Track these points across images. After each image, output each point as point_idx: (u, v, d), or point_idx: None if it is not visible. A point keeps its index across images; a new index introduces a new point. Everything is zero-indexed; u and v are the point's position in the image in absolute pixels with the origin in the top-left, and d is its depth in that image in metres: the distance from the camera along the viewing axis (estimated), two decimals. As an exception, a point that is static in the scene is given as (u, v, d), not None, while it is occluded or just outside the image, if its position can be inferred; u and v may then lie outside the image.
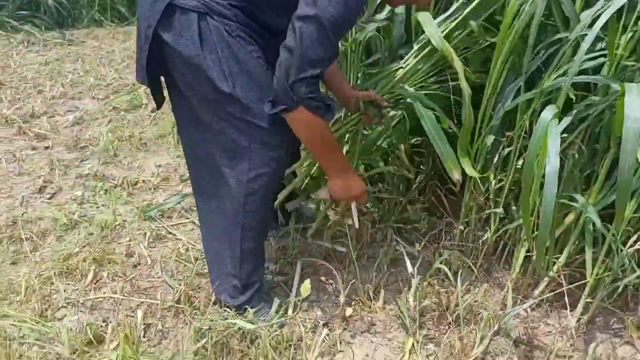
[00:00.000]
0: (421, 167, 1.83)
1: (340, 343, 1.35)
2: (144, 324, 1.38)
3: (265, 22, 1.25)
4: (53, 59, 3.87)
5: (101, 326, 1.37)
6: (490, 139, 1.58)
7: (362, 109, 1.51)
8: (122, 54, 4.00)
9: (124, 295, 1.48)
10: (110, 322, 1.38)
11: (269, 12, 1.25)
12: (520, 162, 1.54)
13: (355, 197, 1.40)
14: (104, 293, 1.49)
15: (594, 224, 1.36)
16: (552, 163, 1.16)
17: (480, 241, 1.62)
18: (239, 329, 1.33)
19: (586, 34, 1.27)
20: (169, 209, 1.91)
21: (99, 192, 2.03)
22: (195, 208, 1.87)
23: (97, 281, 1.55)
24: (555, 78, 1.37)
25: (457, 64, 1.48)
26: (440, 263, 1.56)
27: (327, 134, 1.28)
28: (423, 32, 1.56)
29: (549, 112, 1.20)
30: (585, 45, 1.24)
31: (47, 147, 2.42)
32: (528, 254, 1.55)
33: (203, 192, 1.42)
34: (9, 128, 2.63)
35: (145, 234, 1.77)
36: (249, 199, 1.31)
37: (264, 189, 1.31)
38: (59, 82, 3.31)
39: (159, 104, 1.41)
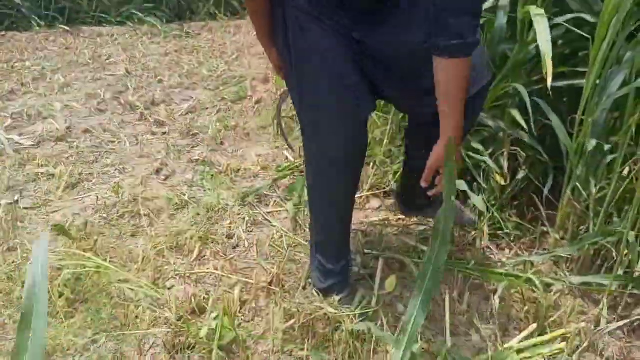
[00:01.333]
0: (519, 171, 1.78)
1: (420, 341, 1.38)
2: (240, 300, 1.51)
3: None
4: (172, 50, 4.23)
5: (204, 298, 1.53)
6: (592, 143, 1.51)
7: None
8: (232, 47, 4.27)
9: (224, 273, 1.63)
10: (212, 295, 1.54)
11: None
12: (626, 169, 1.46)
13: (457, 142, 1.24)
14: (207, 269, 1.66)
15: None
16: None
17: (577, 252, 1.56)
18: (325, 314, 1.42)
19: None
20: (266, 196, 2.05)
21: (206, 176, 2.22)
22: (289, 198, 2.01)
23: (202, 257, 1.72)
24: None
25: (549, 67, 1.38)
26: (532, 273, 1.52)
27: (468, 74, 1.17)
28: (530, 28, 1.51)
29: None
30: None
31: (164, 133, 2.69)
32: (628, 269, 1.46)
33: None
34: (133, 114, 2.95)
35: (244, 218, 1.92)
36: (308, 155, 1.39)
37: (321, 147, 1.34)
38: (176, 72, 3.63)
39: None
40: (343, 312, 1.41)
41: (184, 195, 2.06)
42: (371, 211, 1.97)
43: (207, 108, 3.02)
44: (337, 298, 1.45)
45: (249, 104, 3.04)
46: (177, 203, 2.01)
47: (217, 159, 2.39)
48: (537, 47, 1.48)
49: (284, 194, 2.05)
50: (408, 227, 1.86)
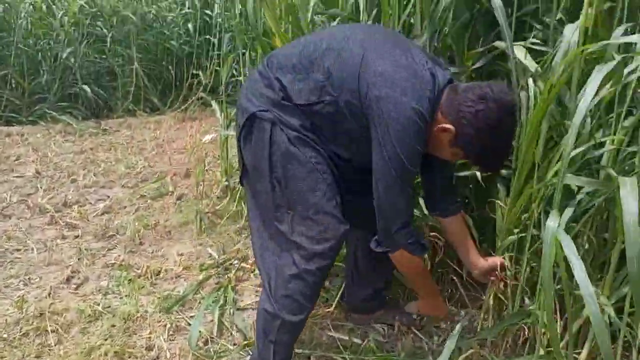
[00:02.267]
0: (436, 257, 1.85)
1: None
2: (161, 422, 1.38)
3: (330, 149, 1.41)
4: (88, 148, 4.11)
5: None
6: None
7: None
8: (152, 143, 4.23)
9: (142, 392, 1.49)
10: (128, 420, 1.39)
11: (332, 145, 1.41)
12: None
13: (437, 314, 1.65)
14: (123, 389, 1.51)
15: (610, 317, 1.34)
16: (578, 270, 1.15)
17: (500, 334, 1.60)
18: None
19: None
20: (189, 299, 1.95)
21: (123, 281, 2.09)
22: (215, 299, 1.93)
23: (117, 376, 1.57)
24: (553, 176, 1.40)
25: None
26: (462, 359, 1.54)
27: (421, 267, 1.54)
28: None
29: (553, 222, 1.18)
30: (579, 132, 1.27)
31: (76, 237, 2.53)
32: (549, 348, 1.51)
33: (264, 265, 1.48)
34: (42, 217, 2.77)
35: (165, 325, 1.80)
36: (285, 301, 1.38)
37: (302, 288, 1.37)
38: (91, 171, 3.51)
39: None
40: None
41: (98, 305, 1.91)
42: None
43: (125, 207, 2.91)
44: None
45: (169, 200, 2.97)
46: (89, 315, 1.86)
47: (135, 261, 2.27)
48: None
49: (209, 295, 1.96)
50: (339, 319, 1.84)
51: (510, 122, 1.32)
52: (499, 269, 1.56)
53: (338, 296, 1.88)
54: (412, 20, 1.74)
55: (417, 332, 1.75)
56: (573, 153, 1.30)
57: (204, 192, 2.96)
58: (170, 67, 5.63)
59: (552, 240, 1.16)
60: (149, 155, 3.90)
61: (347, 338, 1.71)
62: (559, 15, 1.61)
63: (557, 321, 1.45)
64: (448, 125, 1.30)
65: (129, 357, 1.65)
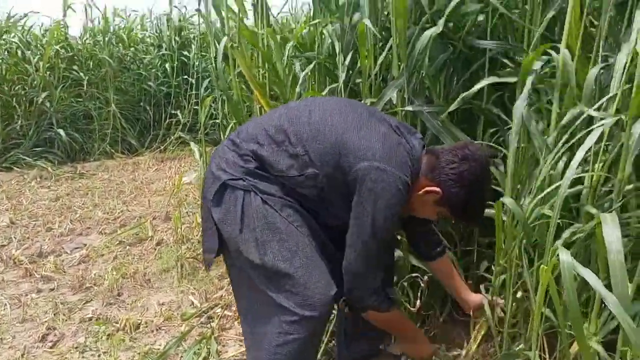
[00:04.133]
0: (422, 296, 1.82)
1: None
2: None
3: (310, 211, 1.40)
4: (64, 193, 4.03)
5: None
6: (484, 265, 1.64)
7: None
8: (130, 185, 4.17)
9: None
10: None
11: (312, 209, 1.40)
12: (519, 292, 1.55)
13: (423, 356, 1.63)
14: None
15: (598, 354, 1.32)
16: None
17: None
18: None
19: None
20: (171, 353, 1.87)
21: (101, 337, 2.00)
22: (198, 351, 1.86)
23: None
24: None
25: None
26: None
27: (396, 317, 1.51)
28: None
29: (566, 256, 1.17)
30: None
31: (52, 289, 2.44)
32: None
33: (248, 329, 1.45)
34: (16, 270, 2.67)
35: (146, 383, 1.72)
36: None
37: (294, 354, 1.32)
38: (68, 217, 3.42)
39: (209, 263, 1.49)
40: None
41: (74, 364, 1.83)
42: None
43: (102, 255, 2.83)
44: None
45: (149, 246, 2.90)
46: (65, 376, 1.77)
47: (113, 314, 2.19)
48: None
49: (191, 348, 1.89)
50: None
51: (489, 176, 1.42)
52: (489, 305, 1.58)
53: (324, 344, 1.82)
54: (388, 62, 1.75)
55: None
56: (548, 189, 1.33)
57: (184, 235, 2.90)
58: (148, 107, 5.63)
59: (569, 274, 1.14)
60: (127, 199, 3.83)
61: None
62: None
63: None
64: (435, 188, 1.34)
65: (108, 421, 1.56)
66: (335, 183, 1.33)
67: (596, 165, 1.37)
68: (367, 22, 1.66)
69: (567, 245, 1.40)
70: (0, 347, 1.98)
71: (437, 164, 1.35)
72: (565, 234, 1.39)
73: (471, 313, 1.66)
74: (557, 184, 1.35)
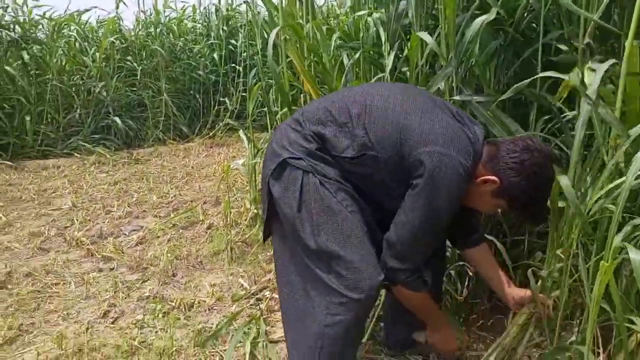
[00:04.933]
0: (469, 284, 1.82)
1: None
2: None
3: (364, 194, 1.41)
4: (121, 178, 4.24)
5: None
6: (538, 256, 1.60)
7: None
8: (182, 171, 4.33)
9: None
10: None
11: (366, 192, 1.41)
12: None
13: (447, 349, 1.62)
14: None
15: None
16: None
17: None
18: None
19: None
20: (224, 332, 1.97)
21: (157, 315, 2.12)
22: (248, 331, 1.94)
23: (154, 413, 1.59)
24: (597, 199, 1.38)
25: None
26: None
27: (424, 301, 1.47)
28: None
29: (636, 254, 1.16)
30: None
31: (112, 269, 2.59)
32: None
33: (291, 313, 1.47)
34: (79, 250, 2.85)
35: (200, 360, 1.82)
36: (325, 342, 1.35)
37: (340, 335, 1.34)
38: (125, 201, 3.61)
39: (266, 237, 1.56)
40: None
41: (134, 339, 1.95)
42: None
43: (158, 237, 2.97)
44: None
45: (200, 230, 3.02)
46: (126, 350, 1.89)
47: (169, 293, 2.31)
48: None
49: (240, 328, 1.97)
50: (370, 352, 1.82)
51: (552, 170, 1.35)
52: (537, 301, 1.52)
53: (370, 327, 1.86)
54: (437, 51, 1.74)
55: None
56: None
57: (233, 220, 3.00)
58: (197, 95, 5.79)
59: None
60: (179, 184, 3.99)
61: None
62: (587, 39, 1.60)
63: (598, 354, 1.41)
64: (492, 177, 1.32)
65: (166, 393, 1.67)
66: (394, 167, 1.33)
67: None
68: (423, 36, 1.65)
69: (628, 240, 1.37)
70: (66, 321, 2.14)
71: (497, 153, 1.33)
72: (627, 229, 1.35)
73: (512, 307, 1.59)
74: (621, 179, 1.30)
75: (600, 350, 1.38)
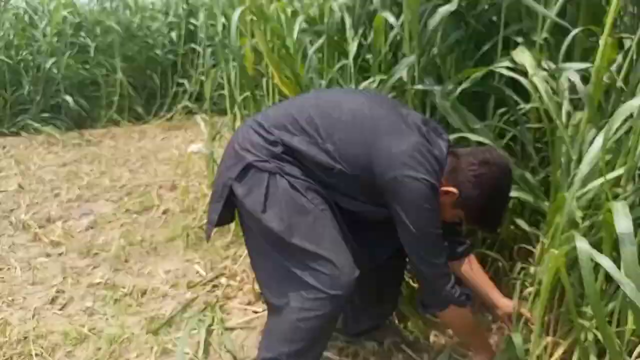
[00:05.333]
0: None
1: None
2: None
3: (335, 201, 1.42)
4: (71, 160, 4.06)
5: None
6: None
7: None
8: (137, 154, 4.19)
9: (130, 419, 1.47)
10: None
11: (338, 197, 1.42)
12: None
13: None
14: (110, 416, 1.48)
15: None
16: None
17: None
18: None
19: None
20: (176, 320, 1.93)
21: (108, 302, 2.06)
22: (203, 318, 1.91)
23: (103, 403, 1.54)
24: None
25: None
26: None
27: (470, 318, 1.51)
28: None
29: (582, 242, 1.20)
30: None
31: (60, 254, 2.49)
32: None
33: (268, 301, 1.46)
34: (25, 234, 2.72)
35: (152, 347, 1.77)
36: (296, 336, 1.34)
37: (313, 330, 1.34)
38: (75, 184, 3.46)
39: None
40: None
41: (83, 326, 1.88)
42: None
43: (110, 222, 2.87)
44: None
45: (155, 215, 2.94)
46: (75, 337, 1.82)
47: (120, 280, 2.24)
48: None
49: (195, 315, 1.94)
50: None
51: (509, 183, 1.42)
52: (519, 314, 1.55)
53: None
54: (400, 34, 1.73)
55: (407, 348, 1.75)
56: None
57: (190, 205, 2.94)
58: (154, 75, 5.60)
59: (587, 260, 1.18)
60: (133, 167, 3.86)
61: (337, 358, 1.70)
62: (545, 35, 1.64)
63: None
64: (452, 189, 1.36)
65: (116, 382, 1.62)
66: (363, 183, 1.36)
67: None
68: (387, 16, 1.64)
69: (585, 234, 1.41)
70: (11, 307, 2.04)
71: (457, 166, 1.37)
72: (587, 223, 1.40)
73: (502, 320, 1.62)
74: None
75: (549, 337, 1.44)
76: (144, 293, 2.13)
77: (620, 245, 1.17)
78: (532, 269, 1.58)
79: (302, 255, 1.33)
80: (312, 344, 1.36)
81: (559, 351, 1.48)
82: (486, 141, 1.72)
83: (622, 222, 1.18)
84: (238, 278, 2.22)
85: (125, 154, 4.22)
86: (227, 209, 1.45)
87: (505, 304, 1.57)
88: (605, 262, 1.16)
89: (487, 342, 1.60)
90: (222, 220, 1.50)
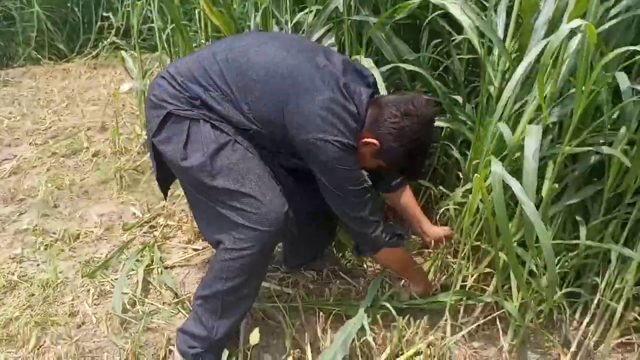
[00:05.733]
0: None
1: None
2: (91, 388, 1.37)
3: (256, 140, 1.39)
4: (-13, 102, 3.74)
5: (46, 394, 1.35)
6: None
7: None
8: (61, 94, 3.91)
9: None
10: (56, 389, 1.36)
11: (263, 139, 1.38)
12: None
13: (426, 294, 1.66)
14: (48, 359, 1.47)
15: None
16: (528, 207, 1.24)
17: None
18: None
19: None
20: (114, 262, 1.89)
21: (38, 248, 1.98)
22: (141, 259, 1.89)
23: (40, 346, 1.52)
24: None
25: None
26: (385, 299, 1.62)
27: (405, 256, 1.59)
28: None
29: (498, 167, 1.27)
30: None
31: (-18, 202, 2.34)
32: (464, 283, 1.64)
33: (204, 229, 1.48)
34: (-59, 182, 2.52)
35: (89, 290, 1.74)
36: (229, 274, 1.35)
37: (245, 268, 1.35)
38: (-7, 127, 3.21)
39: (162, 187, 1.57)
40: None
41: (13, 274, 1.81)
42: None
43: (35, 166, 2.71)
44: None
45: (85, 158, 2.80)
46: (4, 285, 1.76)
47: (50, 225, 2.15)
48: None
49: (133, 255, 1.91)
50: (269, 270, 1.86)
51: (431, 135, 1.43)
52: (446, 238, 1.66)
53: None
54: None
55: (344, 275, 1.82)
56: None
57: (122, 147, 2.81)
58: (76, 9, 5.13)
59: (499, 182, 1.25)
60: (58, 109, 3.61)
61: (278, 288, 1.75)
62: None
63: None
64: (372, 140, 1.35)
65: (52, 326, 1.59)
66: (281, 142, 1.36)
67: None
68: None
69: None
70: None
71: (379, 117, 1.35)
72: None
73: (429, 245, 1.71)
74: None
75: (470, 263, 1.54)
76: (76, 237, 2.06)
77: (524, 167, 1.26)
78: (458, 194, 1.66)
79: (228, 196, 1.32)
80: (247, 280, 1.37)
81: (482, 271, 1.60)
82: (420, 71, 1.74)
83: (531, 144, 1.27)
84: (176, 218, 2.19)
85: (48, 95, 3.93)
86: (165, 167, 1.44)
87: (434, 231, 1.65)
88: (514, 184, 1.24)
89: (423, 274, 1.69)
90: (166, 178, 1.51)
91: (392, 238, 1.46)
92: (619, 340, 1.52)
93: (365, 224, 1.42)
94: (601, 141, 1.43)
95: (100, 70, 4.63)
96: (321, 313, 1.59)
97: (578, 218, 1.53)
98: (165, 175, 1.51)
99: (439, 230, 1.66)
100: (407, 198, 1.68)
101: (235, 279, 1.35)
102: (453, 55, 1.84)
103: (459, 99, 1.85)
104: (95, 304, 1.70)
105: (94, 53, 5.01)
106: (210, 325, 1.38)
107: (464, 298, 1.60)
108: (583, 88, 1.27)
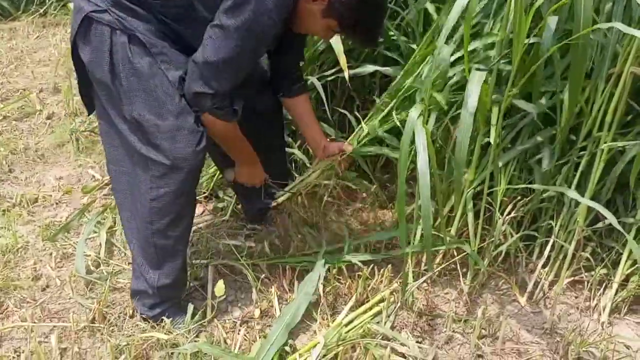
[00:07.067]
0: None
1: (259, 338, 1.41)
2: (60, 348, 1.36)
3: (182, 40, 1.28)
4: None
5: (13, 357, 1.34)
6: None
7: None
8: (8, 55, 3.70)
9: (35, 322, 1.45)
10: (23, 351, 1.35)
11: (185, 37, 1.27)
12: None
13: (255, 183, 1.60)
14: (12, 322, 1.45)
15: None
16: (422, 157, 1.29)
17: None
18: (158, 340, 1.36)
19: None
20: (75, 224, 1.86)
21: (-4, 214, 1.92)
22: (102, 221, 1.86)
23: (4, 310, 1.50)
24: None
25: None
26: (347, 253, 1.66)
27: (232, 132, 1.38)
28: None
29: (415, 112, 1.31)
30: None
31: None
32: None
33: (120, 187, 1.40)
34: None
35: (51, 253, 1.71)
36: (154, 216, 1.33)
37: (167, 207, 1.32)
38: (-64, 92, 3.03)
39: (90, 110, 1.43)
40: (177, 334, 1.37)
41: (-31, 241, 1.76)
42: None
43: (-15, 131, 2.59)
44: (167, 320, 1.40)
45: (38, 120, 2.68)
46: (-40, 253, 1.71)
47: (6, 190, 2.08)
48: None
49: (94, 217, 1.87)
50: (232, 228, 1.87)
51: None
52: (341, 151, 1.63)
53: (232, 205, 1.90)
54: None
55: (310, 230, 1.85)
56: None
57: (77, 108, 2.71)
58: (17, -38, 4.79)
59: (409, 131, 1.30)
60: (6, 70, 3.42)
61: (243, 244, 1.76)
62: None
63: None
64: None
65: (15, 290, 1.57)
66: (208, 4, 1.22)
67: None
68: None
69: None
70: None
71: None
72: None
73: (321, 157, 1.65)
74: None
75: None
76: (34, 202, 2.01)
77: (461, 117, 1.29)
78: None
79: (144, 128, 1.25)
80: (174, 219, 1.34)
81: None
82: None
83: (474, 90, 1.29)
84: (138, 179, 2.15)
85: (-6, 56, 3.71)
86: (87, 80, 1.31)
87: (328, 145, 1.62)
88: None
89: (251, 159, 1.55)
90: (89, 98, 1.37)
91: (221, 109, 1.28)
92: (571, 279, 1.60)
93: (207, 82, 1.22)
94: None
95: (50, 29, 4.39)
96: (287, 266, 1.62)
97: (532, 163, 1.59)
98: (88, 96, 1.38)
99: (333, 145, 1.62)
100: (305, 108, 1.60)
101: (161, 221, 1.33)
102: None
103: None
104: (58, 267, 1.68)
105: (41, 11, 4.73)
106: (152, 276, 1.38)
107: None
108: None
